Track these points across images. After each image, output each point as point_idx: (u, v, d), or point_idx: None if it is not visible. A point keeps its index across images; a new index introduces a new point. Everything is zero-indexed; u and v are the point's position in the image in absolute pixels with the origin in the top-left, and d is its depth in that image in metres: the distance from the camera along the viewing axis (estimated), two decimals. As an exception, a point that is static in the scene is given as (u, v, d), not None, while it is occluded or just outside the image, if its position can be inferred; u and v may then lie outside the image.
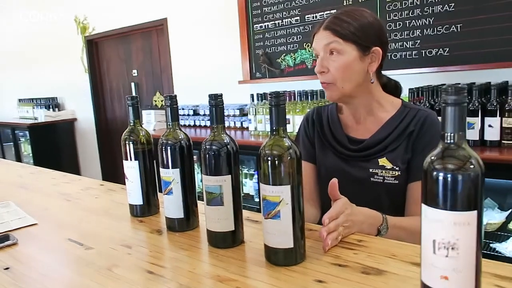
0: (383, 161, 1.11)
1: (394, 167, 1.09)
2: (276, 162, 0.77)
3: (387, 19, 2.47)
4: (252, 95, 3.04)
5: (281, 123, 0.79)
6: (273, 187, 0.77)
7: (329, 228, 0.84)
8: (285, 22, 2.99)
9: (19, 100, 5.84)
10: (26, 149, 5.13)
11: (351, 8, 1.13)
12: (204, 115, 3.53)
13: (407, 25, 2.42)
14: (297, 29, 2.94)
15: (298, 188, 0.78)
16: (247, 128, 3.11)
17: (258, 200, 2.80)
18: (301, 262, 0.80)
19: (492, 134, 1.96)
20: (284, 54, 3.04)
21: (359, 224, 0.93)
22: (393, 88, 1.22)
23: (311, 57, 2.90)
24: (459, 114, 0.57)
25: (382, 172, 1.10)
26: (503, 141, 1.94)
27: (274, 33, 3.08)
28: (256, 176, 2.81)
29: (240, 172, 0.95)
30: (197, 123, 3.57)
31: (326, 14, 2.76)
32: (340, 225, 0.87)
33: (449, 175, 0.56)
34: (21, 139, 5.21)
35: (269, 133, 0.81)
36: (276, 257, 0.80)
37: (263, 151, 0.78)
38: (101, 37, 4.65)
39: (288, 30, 2.99)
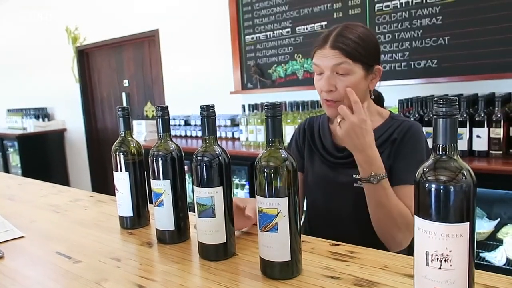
0: None
1: None
2: (273, 174, 0.76)
3: (377, 31, 2.50)
4: (243, 106, 3.04)
5: (277, 134, 0.78)
6: (270, 199, 0.76)
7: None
8: (276, 33, 3.02)
9: (8, 110, 5.76)
10: (14, 159, 5.04)
11: (352, 24, 1.13)
12: (195, 125, 3.52)
13: (396, 37, 2.45)
14: (288, 41, 2.96)
15: (295, 200, 0.77)
16: (239, 138, 3.10)
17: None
18: (297, 275, 0.79)
19: (480, 144, 1.99)
20: (275, 65, 3.06)
21: (369, 142, 1.02)
22: (376, 98, 1.28)
23: (301, 68, 2.92)
24: (451, 125, 0.58)
25: None
26: (491, 151, 1.97)
27: (265, 44, 3.10)
28: (247, 186, 2.80)
29: (231, 182, 0.94)
30: (188, 134, 3.56)
31: (316, 26, 2.79)
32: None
33: (441, 187, 0.57)
34: (9, 149, 5.12)
35: (265, 144, 0.80)
36: (272, 271, 0.79)
37: (259, 163, 0.78)
38: (92, 47, 4.64)
39: (279, 42, 3.02)
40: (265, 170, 0.76)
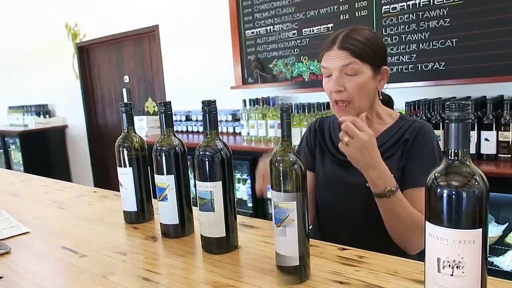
0: None
1: None
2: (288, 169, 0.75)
3: (384, 33, 2.49)
4: (244, 101, 3.03)
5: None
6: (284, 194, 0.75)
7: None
8: (276, 28, 2.99)
9: (9, 107, 5.74)
10: (16, 156, 5.03)
11: (358, 27, 1.14)
12: (197, 120, 3.50)
13: (403, 39, 2.44)
14: (294, 43, 2.94)
15: (304, 204, 0.76)
16: (240, 133, 3.10)
17: (252, 205, 2.78)
18: (305, 280, 0.77)
19: (489, 147, 1.96)
20: (275, 60, 3.04)
21: (378, 155, 0.98)
22: (386, 101, 1.28)
23: (308, 70, 2.90)
24: (463, 130, 0.57)
25: None
26: (499, 155, 1.94)
27: (265, 38, 3.08)
28: (249, 181, 2.79)
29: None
30: (190, 129, 3.54)
31: (323, 28, 2.77)
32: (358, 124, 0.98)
33: (453, 192, 0.56)
34: (11, 146, 5.10)
35: (280, 139, 0.80)
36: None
37: (275, 157, 0.77)
38: (92, 44, 4.60)
39: (279, 36, 2.99)
40: (280, 164, 0.75)
